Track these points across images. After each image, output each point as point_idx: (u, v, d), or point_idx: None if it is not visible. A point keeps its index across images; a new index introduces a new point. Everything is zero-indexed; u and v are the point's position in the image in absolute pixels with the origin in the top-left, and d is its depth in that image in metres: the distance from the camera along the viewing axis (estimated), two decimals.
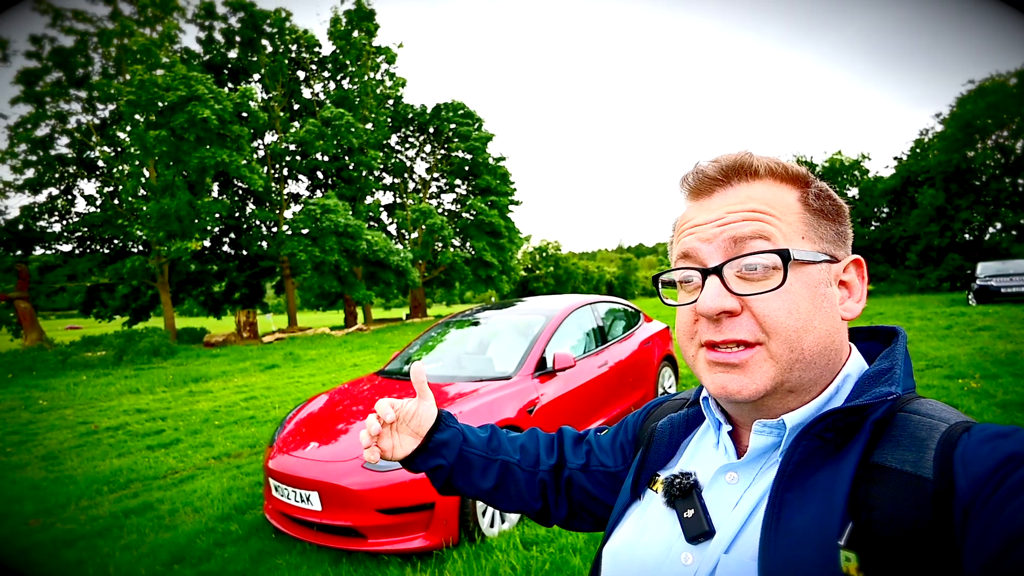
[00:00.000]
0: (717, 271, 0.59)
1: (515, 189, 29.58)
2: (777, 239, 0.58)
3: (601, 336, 5.04)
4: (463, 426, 0.92)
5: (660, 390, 5.55)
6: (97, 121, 20.71)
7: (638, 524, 0.69)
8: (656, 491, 0.69)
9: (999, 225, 24.13)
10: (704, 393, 0.70)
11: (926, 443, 0.50)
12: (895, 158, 28.16)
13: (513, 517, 3.45)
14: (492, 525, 3.30)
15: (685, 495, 0.63)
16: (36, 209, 20.29)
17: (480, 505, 3.22)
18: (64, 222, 21.04)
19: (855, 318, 0.63)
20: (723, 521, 0.59)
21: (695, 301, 0.61)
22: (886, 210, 27.58)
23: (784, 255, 0.57)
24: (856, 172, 28.93)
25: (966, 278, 20.93)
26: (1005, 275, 15.36)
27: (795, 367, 0.57)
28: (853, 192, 28.59)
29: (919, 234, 24.92)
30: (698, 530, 0.59)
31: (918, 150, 27.06)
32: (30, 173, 19.73)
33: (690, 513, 0.61)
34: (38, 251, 20.61)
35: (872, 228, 27.66)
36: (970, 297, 15.61)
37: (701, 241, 0.61)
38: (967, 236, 24.60)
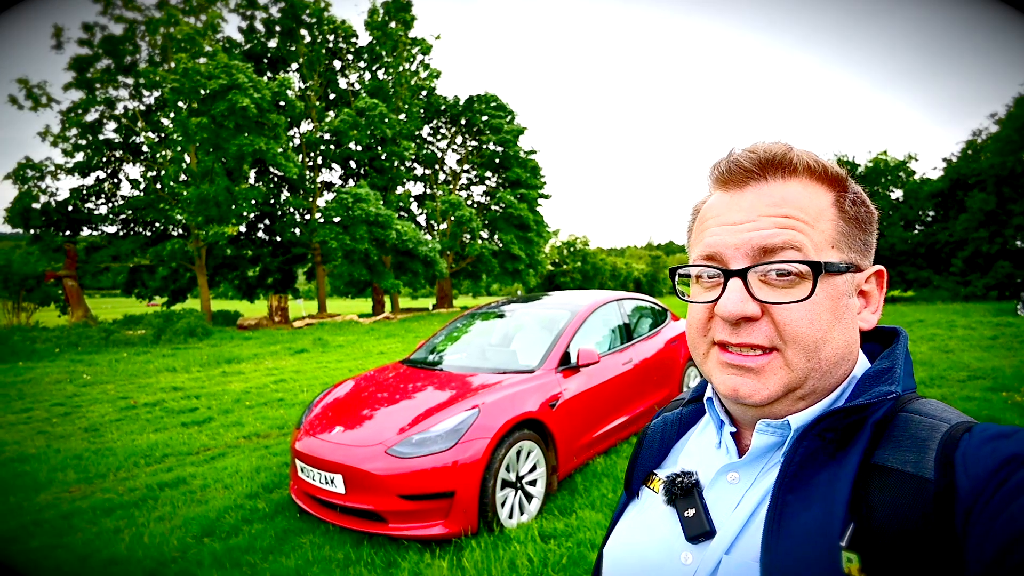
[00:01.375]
0: (741, 275, 0.57)
1: (545, 183, 29.45)
2: (808, 250, 0.56)
3: (627, 333, 5.00)
4: None
5: (685, 389, 5.47)
6: (143, 107, 21.47)
7: (637, 522, 0.69)
8: (655, 490, 0.69)
9: None
10: (708, 393, 0.69)
11: (927, 443, 0.50)
12: (944, 159, 26.97)
13: (532, 508, 3.46)
14: (511, 516, 3.33)
15: (686, 494, 0.63)
16: (84, 191, 21.21)
17: (499, 495, 3.24)
18: (110, 204, 21.93)
19: (871, 328, 0.62)
20: (724, 521, 0.59)
21: (713, 301, 0.59)
22: (932, 213, 26.49)
23: (816, 268, 0.55)
24: (901, 173, 27.82)
25: (1016, 287, 19.91)
26: None
27: (810, 376, 0.57)
28: (897, 194, 27.53)
29: (967, 239, 23.83)
30: (699, 530, 0.59)
31: (969, 152, 25.85)
32: (80, 157, 20.57)
33: (691, 513, 0.61)
34: (85, 232, 21.56)
35: (916, 232, 26.61)
36: (1019, 307, 14.88)
37: (727, 244, 0.59)
38: (1019, 243, 23.40)
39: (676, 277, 0.67)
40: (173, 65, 18.92)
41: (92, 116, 20.40)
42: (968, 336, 10.32)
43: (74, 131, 20.12)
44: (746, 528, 0.57)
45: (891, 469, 0.50)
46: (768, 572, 0.50)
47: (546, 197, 29.52)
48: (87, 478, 4.57)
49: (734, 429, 0.65)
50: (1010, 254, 23.25)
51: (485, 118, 28.43)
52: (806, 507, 0.52)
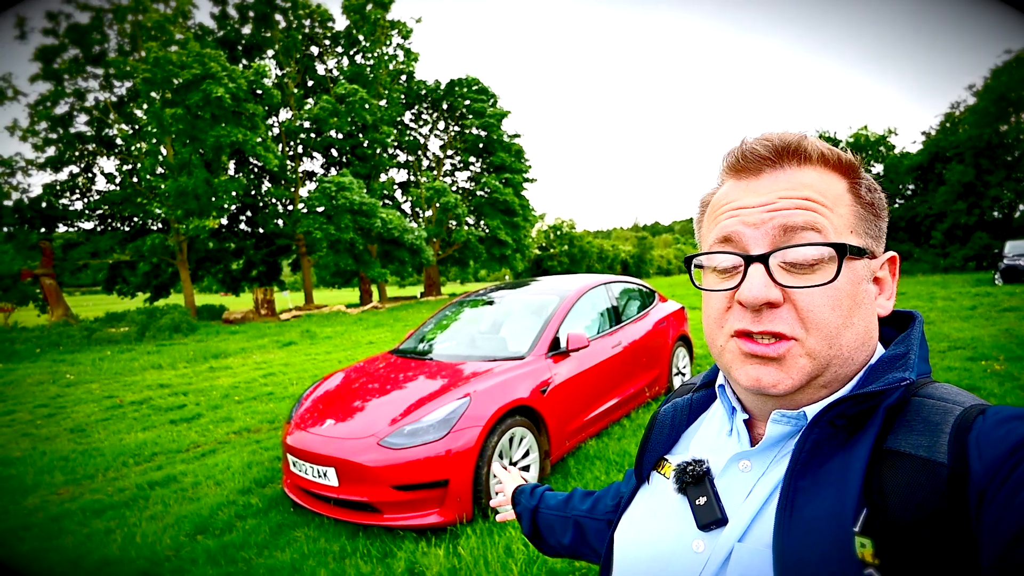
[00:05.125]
0: (763, 259, 0.56)
1: (530, 166, 29.30)
2: (828, 233, 0.56)
3: (615, 316, 5.01)
4: (544, 492, 1.05)
5: (674, 370, 5.53)
6: (114, 99, 20.85)
7: (647, 509, 0.69)
8: (665, 475, 0.69)
9: None
10: (720, 380, 0.68)
11: (940, 427, 0.49)
12: (923, 133, 27.28)
13: None
14: None
15: (698, 482, 0.62)
16: (58, 187, 20.63)
17: (493, 482, 3.26)
18: (85, 200, 21.39)
19: (886, 315, 0.62)
20: (736, 509, 0.58)
21: (733, 288, 0.58)
22: (911, 187, 26.78)
23: (841, 250, 0.55)
24: (882, 148, 28.05)
25: (993, 257, 20.34)
26: None
27: (832, 363, 0.56)
28: (878, 168, 27.77)
29: (945, 211, 24.18)
30: (710, 518, 0.59)
31: (948, 124, 26.11)
32: (51, 151, 20.00)
33: (702, 501, 0.61)
34: (61, 228, 21.04)
35: (896, 206, 26.90)
36: (996, 277, 15.20)
37: (746, 225, 0.58)
38: (996, 214, 23.82)
39: (692, 268, 0.65)
40: (144, 54, 18.38)
41: (62, 109, 19.80)
42: (948, 307, 10.53)
43: (44, 124, 19.51)
44: (759, 516, 0.57)
45: (904, 454, 0.49)
46: (781, 558, 0.50)
47: (531, 181, 29.39)
48: (75, 479, 4.51)
49: (747, 416, 0.65)
50: (987, 225, 23.67)
51: (467, 102, 28.11)
52: (818, 493, 0.52)
